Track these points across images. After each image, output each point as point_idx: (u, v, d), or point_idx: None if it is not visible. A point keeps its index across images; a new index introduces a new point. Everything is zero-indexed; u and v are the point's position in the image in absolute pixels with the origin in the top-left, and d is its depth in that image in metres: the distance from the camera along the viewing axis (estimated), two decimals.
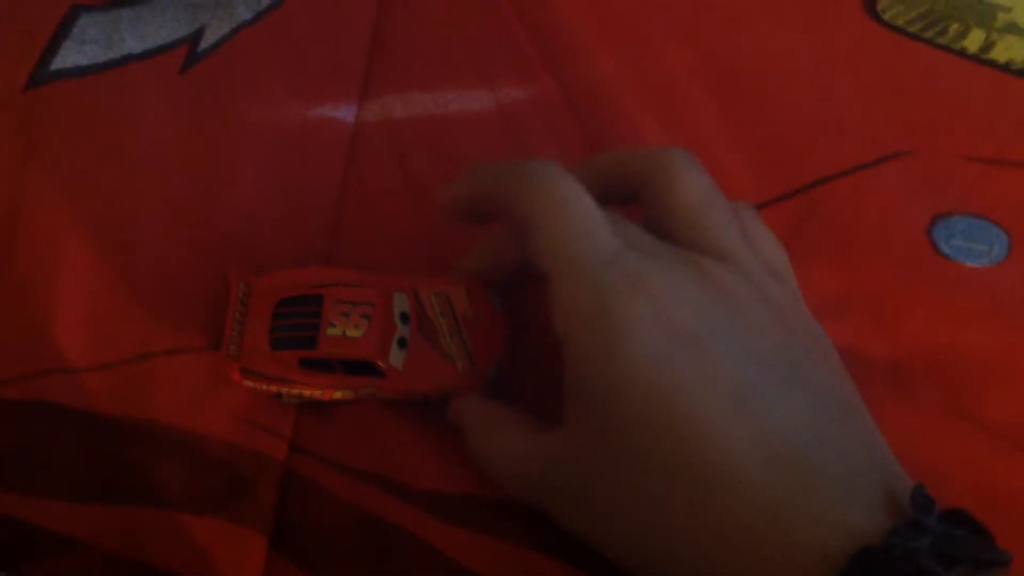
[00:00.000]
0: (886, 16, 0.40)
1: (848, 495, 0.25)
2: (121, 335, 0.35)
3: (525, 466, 0.29)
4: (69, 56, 0.38)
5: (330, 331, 0.33)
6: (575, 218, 0.28)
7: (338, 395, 0.34)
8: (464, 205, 0.32)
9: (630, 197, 0.31)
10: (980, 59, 0.39)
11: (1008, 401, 0.34)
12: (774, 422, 0.25)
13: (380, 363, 0.33)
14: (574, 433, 0.28)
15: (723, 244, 0.29)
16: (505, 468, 0.30)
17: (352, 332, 0.33)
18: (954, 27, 0.40)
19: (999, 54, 0.39)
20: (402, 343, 0.33)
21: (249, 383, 0.34)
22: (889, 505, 0.24)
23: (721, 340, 0.26)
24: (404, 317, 0.34)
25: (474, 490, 0.34)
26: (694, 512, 0.25)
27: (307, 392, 0.34)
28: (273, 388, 0.34)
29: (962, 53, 0.39)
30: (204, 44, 0.39)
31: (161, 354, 0.35)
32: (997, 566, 0.23)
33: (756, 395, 0.26)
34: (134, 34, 0.39)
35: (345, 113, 0.39)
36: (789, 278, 0.31)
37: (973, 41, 0.39)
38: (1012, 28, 0.39)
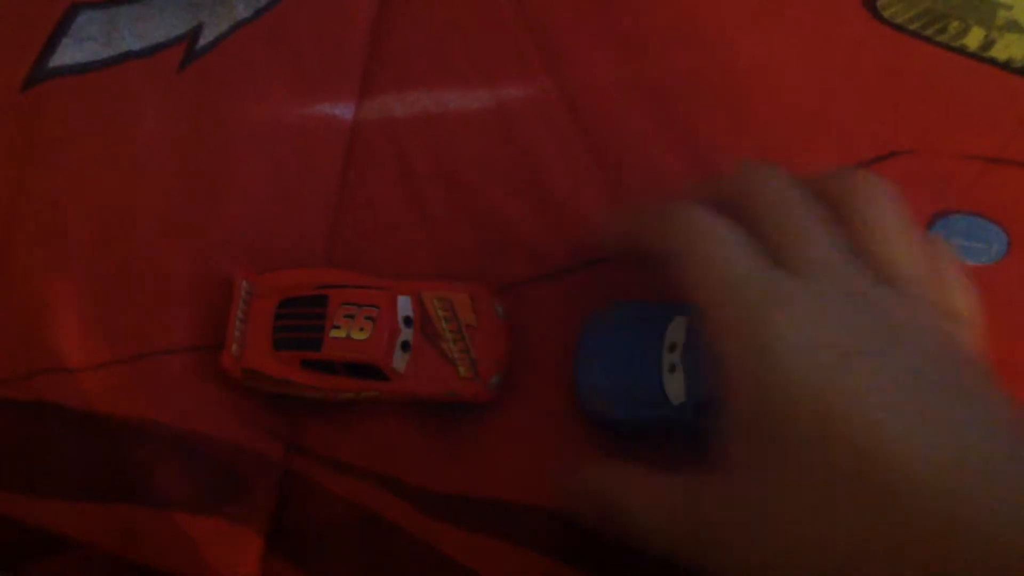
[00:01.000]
0: (886, 14, 0.40)
1: None
2: (119, 334, 0.35)
3: (676, 514, 0.28)
4: (68, 53, 0.38)
5: (334, 333, 0.33)
6: (726, 249, 0.28)
7: (340, 397, 0.34)
8: (616, 241, 0.33)
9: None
10: (980, 57, 0.39)
11: None
12: (954, 437, 0.24)
13: (385, 368, 0.33)
14: (738, 464, 0.27)
15: (903, 272, 0.28)
16: (654, 516, 0.28)
17: (357, 335, 0.33)
18: (954, 25, 0.39)
19: (999, 52, 0.39)
20: (405, 347, 0.33)
21: (251, 383, 0.34)
22: None
23: (886, 360, 0.26)
24: (408, 321, 0.34)
25: (473, 490, 0.34)
26: (877, 522, 0.24)
27: (308, 393, 0.34)
28: (275, 389, 0.34)
29: (962, 51, 0.39)
30: (202, 41, 0.39)
31: (159, 353, 0.35)
32: None
33: (930, 411, 0.25)
34: (133, 31, 0.39)
35: (344, 111, 0.39)
36: (966, 323, 0.30)
37: (973, 39, 0.39)
38: (1012, 26, 0.39)
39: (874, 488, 0.24)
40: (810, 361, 0.25)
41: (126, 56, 0.39)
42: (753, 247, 0.28)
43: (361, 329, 0.33)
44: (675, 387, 0.32)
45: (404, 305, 0.34)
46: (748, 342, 0.26)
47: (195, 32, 0.39)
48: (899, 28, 0.40)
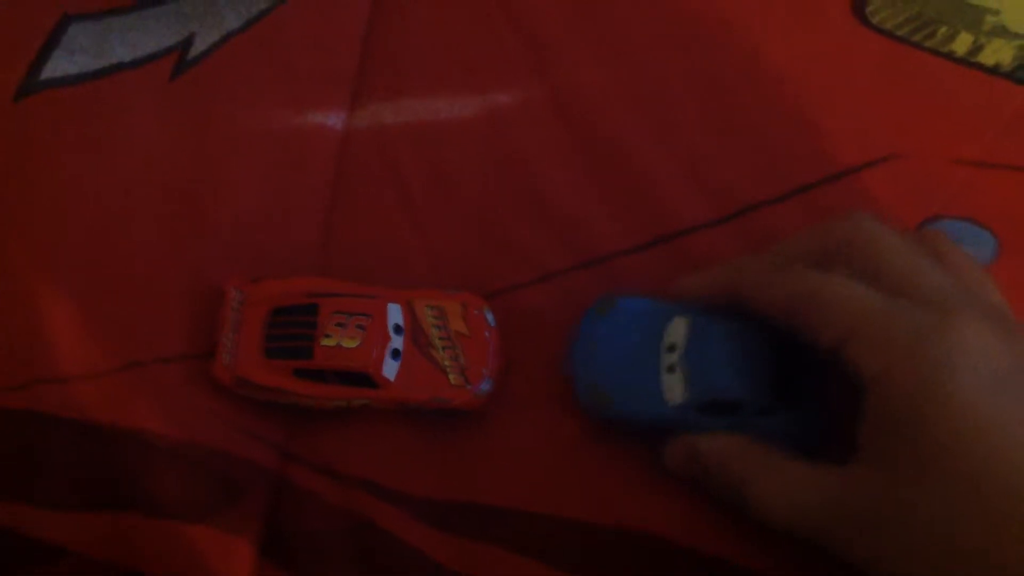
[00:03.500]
0: (875, 20, 0.40)
1: None
2: (112, 344, 0.35)
3: (814, 498, 0.29)
4: (59, 65, 0.38)
5: (325, 341, 0.33)
6: (849, 286, 0.29)
7: (331, 405, 0.34)
8: (704, 296, 0.33)
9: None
10: (968, 62, 0.39)
11: None
12: None
13: (375, 376, 0.33)
14: (880, 464, 0.27)
15: (944, 293, 0.29)
16: (785, 501, 0.29)
17: (347, 343, 0.33)
18: (942, 30, 0.40)
19: (987, 57, 0.39)
20: (395, 354, 0.34)
21: (243, 391, 0.34)
22: None
23: None
24: (398, 328, 0.34)
25: (464, 496, 0.34)
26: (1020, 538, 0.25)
27: (301, 402, 0.34)
28: (267, 397, 0.34)
29: (950, 56, 0.39)
30: (194, 52, 0.39)
31: (152, 362, 0.35)
32: None
33: None
34: (124, 42, 0.39)
35: (335, 120, 0.39)
36: (998, 299, 0.31)
37: (961, 44, 0.39)
38: (1000, 31, 0.39)
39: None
40: (972, 378, 0.26)
41: (117, 67, 0.39)
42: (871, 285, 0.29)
43: (352, 337, 0.33)
44: (673, 387, 0.32)
45: (395, 313, 0.34)
46: (911, 355, 0.27)
47: (186, 42, 0.39)
48: (888, 34, 0.40)
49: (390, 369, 0.33)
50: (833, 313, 0.28)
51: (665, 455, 0.33)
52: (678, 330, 0.33)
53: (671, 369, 0.32)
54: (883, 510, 0.27)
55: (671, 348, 0.33)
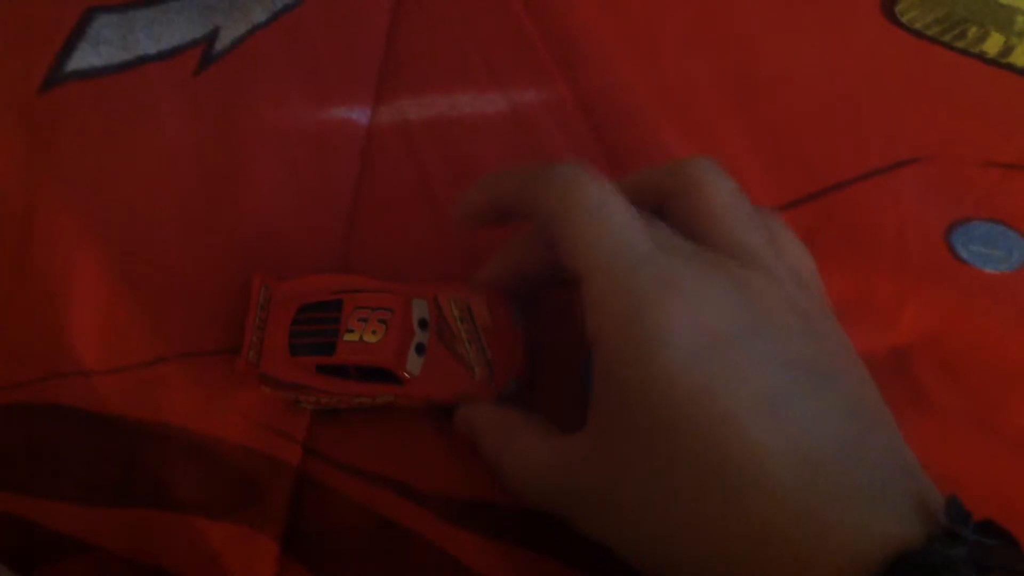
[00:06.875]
0: (905, 19, 0.40)
1: (881, 501, 0.24)
2: (135, 339, 0.35)
3: (545, 471, 0.29)
4: (84, 57, 0.38)
5: (347, 337, 0.33)
6: (608, 218, 0.27)
7: (355, 402, 0.34)
8: (484, 209, 0.32)
9: (656, 213, 0.30)
10: (999, 63, 0.39)
11: None
12: (806, 427, 0.25)
13: (396, 371, 0.33)
14: (601, 435, 0.27)
15: (750, 248, 0.28)
16: (523, 474, 0.29)
17: (369, 337, 0.33)
18: (973, 31, 0.39)
19: (1018, 58, 0.39)
20: (420, 349, 0.33)
21: (268, 388, 0.34)
22: (920, 513, 0.24)
23: (752, 345, 0.26)
24: (423, 323, 0.34)
25: (488, 495, 0.34)
26: (725, 515, 0.25)
27: (324, 399, 0.34)
28: (291, 394, 0.34)
29: (981, 57, 0.39)
30: (219, 46, 0.39)
31: (175, 357, 0.35)
32: None
33: (788, 400, 0.25)
34: (149, 35, 0.39)
35: (360, 115, 0.39)
36: (815, 284, 0.31)
37: (992, 45, 0.39)
38: None
39: (727, 481, 0.25)
40: (682, 348, 0.25)
41: (142, 60, 0.39)
42: (640, 222, 0.28)
43: (374, 332, 0.33)
44: None
45: (420, 308, 0.34)
46: (628, 321, 0.26)
47: (211, 36, 0.39)
48: (918, 34, 0.39)
49: (414, 364, 0.33)
50: (576, 248, 0.27)
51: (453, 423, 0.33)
52: None
53: None
54: (597, 484, 0.27)
55: None
